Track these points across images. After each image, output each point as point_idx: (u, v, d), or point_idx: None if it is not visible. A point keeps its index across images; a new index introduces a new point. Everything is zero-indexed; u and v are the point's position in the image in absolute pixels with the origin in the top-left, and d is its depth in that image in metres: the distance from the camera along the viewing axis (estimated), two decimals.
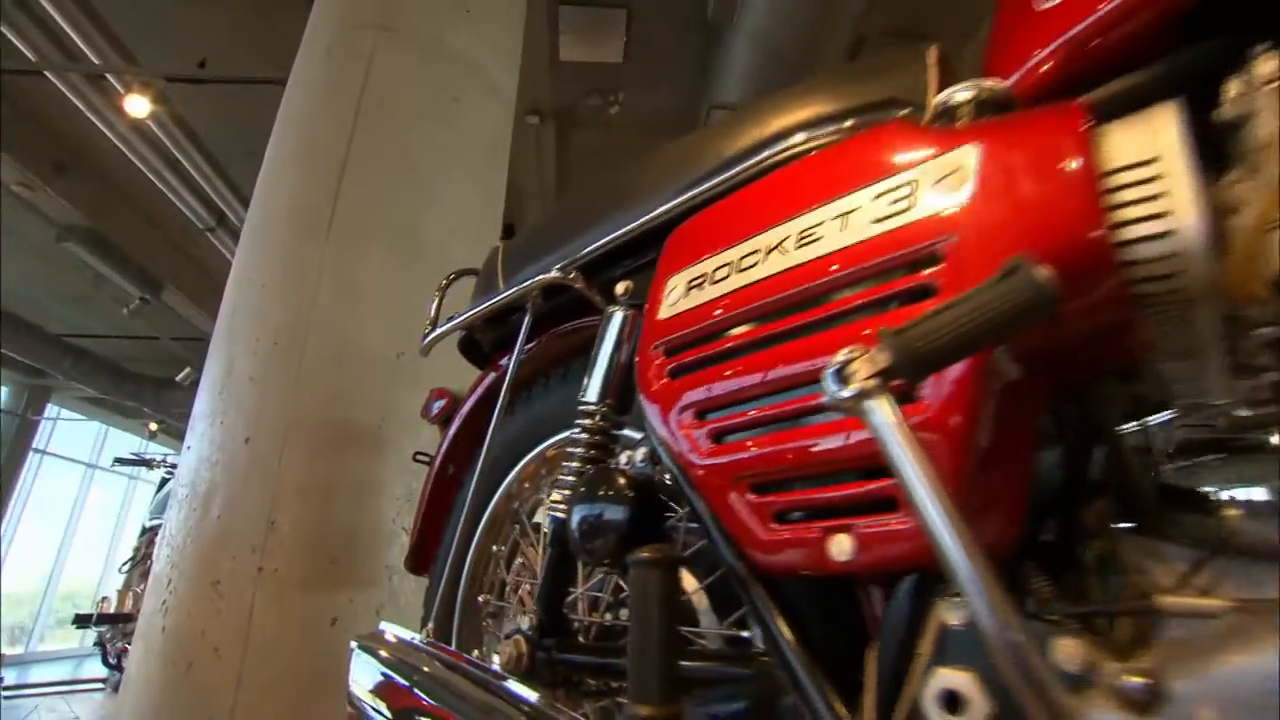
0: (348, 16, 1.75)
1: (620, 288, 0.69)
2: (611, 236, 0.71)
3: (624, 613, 0.77)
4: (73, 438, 11.34)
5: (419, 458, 1.15)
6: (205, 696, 1.14)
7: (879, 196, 0.45)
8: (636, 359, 0.59)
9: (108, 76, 4.90)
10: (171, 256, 8.38)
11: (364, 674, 0.83)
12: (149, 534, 3.71)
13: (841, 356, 0.34)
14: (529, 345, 0.88)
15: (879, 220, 0.44)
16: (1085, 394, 0.46)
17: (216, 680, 1.14)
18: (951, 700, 0.36)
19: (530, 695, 0.62)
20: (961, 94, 0.46)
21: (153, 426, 12.19)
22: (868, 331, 0.41)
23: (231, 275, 1.55)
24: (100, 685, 3.82)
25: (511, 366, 0.82)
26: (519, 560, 1.00)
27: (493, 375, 0.98)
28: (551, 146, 5.97)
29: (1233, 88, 0.39)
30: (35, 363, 10.07)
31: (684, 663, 0.58)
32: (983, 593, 0.28)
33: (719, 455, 0.49)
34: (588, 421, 0.67)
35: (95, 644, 3.27)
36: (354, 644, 0.85)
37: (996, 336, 0.32)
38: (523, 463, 0.92)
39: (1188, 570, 0.45)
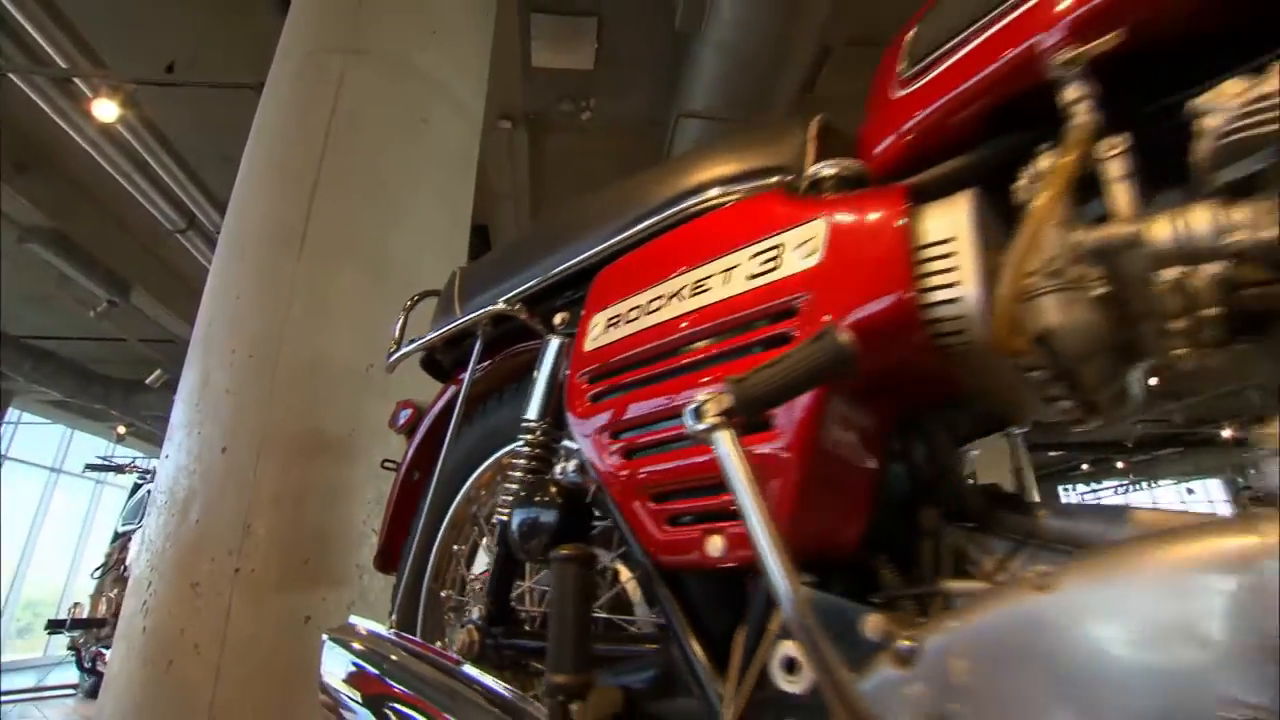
0: (318, 39, 1.82)
1: (558, 318, 0.78)
2: (550, 274, 0.80)
3: None
4: (36, 441, 11.10)
5: (387, 464, 1.23)
6: (185, 692, 1.21)
7: (754, 256, 0.55)
8: (566, 383, 0.68)
9: (75, 80, 4.85)
10: (140, 258, 8.26)
11: (335, 664, 0.91)
12: (122, 539, 3.71)
13: (700, 397, 0.43)
14: (484, 364, 0.97)
15: (753, 277, 0.54)
16: (927, 418, 0.57)
17: (196, 676, 1.21)
18: (790, 664, 0.46)
19: (484, 678, 0.71)
20: (826, 170, 0.57)
21: (120, 429, 11.98)
22: (735, 372, 0.51)
23: (207, 287, 1.61)
24: (71, 691, 3.81)
25: (465, 385, 0.91)
26: (479, 558, 1.09)
27: (452, 390, 1.07)
28: (524, 150, 6.03)
29: (1022, 177, 0.49)
30: None
31: (610, 645, 0.68)
32: (783, 581, 0.38)
33: (628, 469, 0.58)
34: (529, 436, 0.77)
35: (69, 648, 3.28)
36: (325, 636, 0.93)
37: (809, 386, 0.42)
38: (480, 470, 1.01)
39: (1003, 557, 0.56)
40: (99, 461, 4.63)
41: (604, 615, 0.78)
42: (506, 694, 0.68)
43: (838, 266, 0.49)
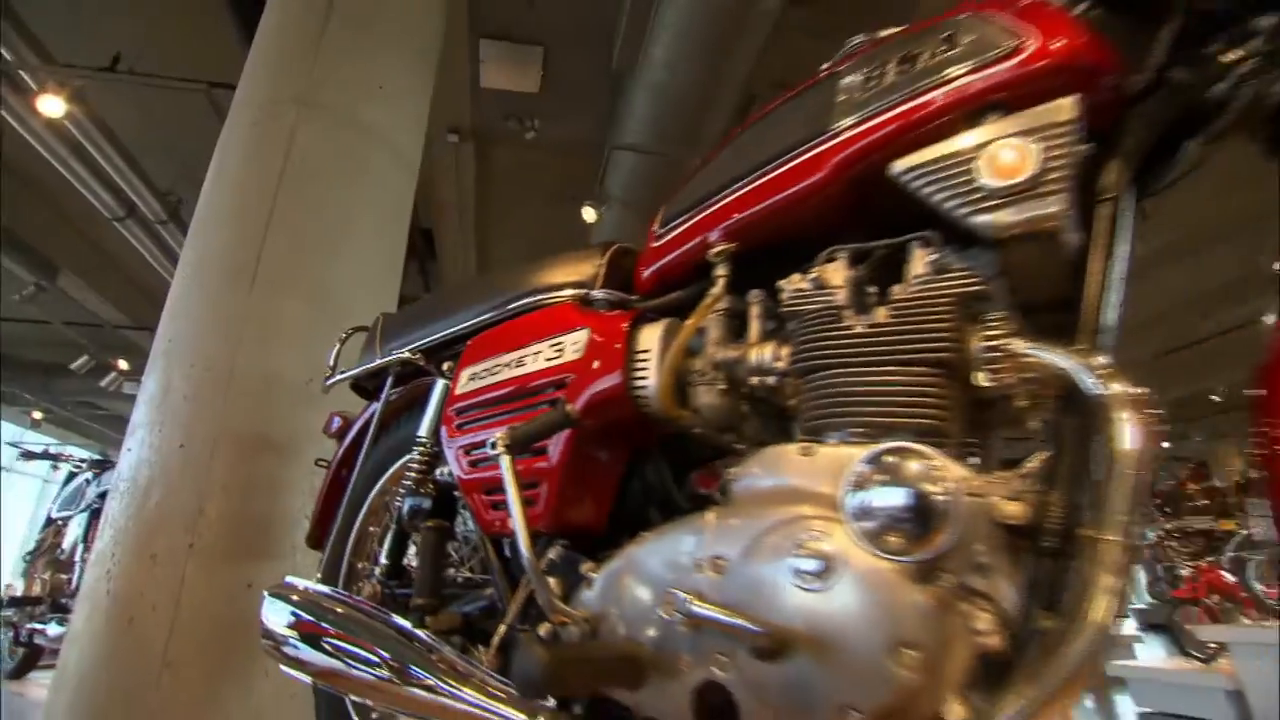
0: (273, 91, 2.10)
1: (445, 366, 1.13)
2: (442, 334, 1.15)
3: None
4: None
5: (319, 463, 1.54)
6: (144, 644, 1.49)
7: (551, 345, 0.91)
8: (445, 413, 1.03)
9: (19, 72, 4.87)
10: (72, 242, 8.10)
11: (275, 614, 1.21)
12: (53, 525, 3.84)
13: (496, 434, 0.79)
14: (397, 389, 1.31)
15: (548, 359, 0.90)
16: (655, 450, 0.94)
17: (153, 632, 1.49)
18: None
19: (387, 615, 1.04)
20: (598, 295, 0.94)
21: (36, 415, 11.53)
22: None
23: (167, 308, 1.87)
24: None
25: (380, 407, 1.25)
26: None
27: (373, 408, 1.40)
28: (470, 163, 6.29)
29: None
30: None
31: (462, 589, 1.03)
32: (522, 544, 0.74)
33: (472, 474, 0.94)
34: (421, 448, 1.11)
35: (5, 625, 3.42)
36: (265, 592, 1.24)
37: (549, 434, 0.78)
38: (391, 469, 1.34)
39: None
40: (31, 450, 4.68)
41: (465, 572, 1.13)
42: (400, 623, 1.02)
43: (590, 360, 0.86)
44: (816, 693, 0.52)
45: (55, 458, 4.27)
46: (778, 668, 0.53)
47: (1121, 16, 0.69)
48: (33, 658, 3.39)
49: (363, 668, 0.98)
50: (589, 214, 5.27)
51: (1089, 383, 0.55)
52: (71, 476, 4.03)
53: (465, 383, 1.01)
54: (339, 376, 1.36)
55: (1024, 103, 0.64)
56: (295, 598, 1.17)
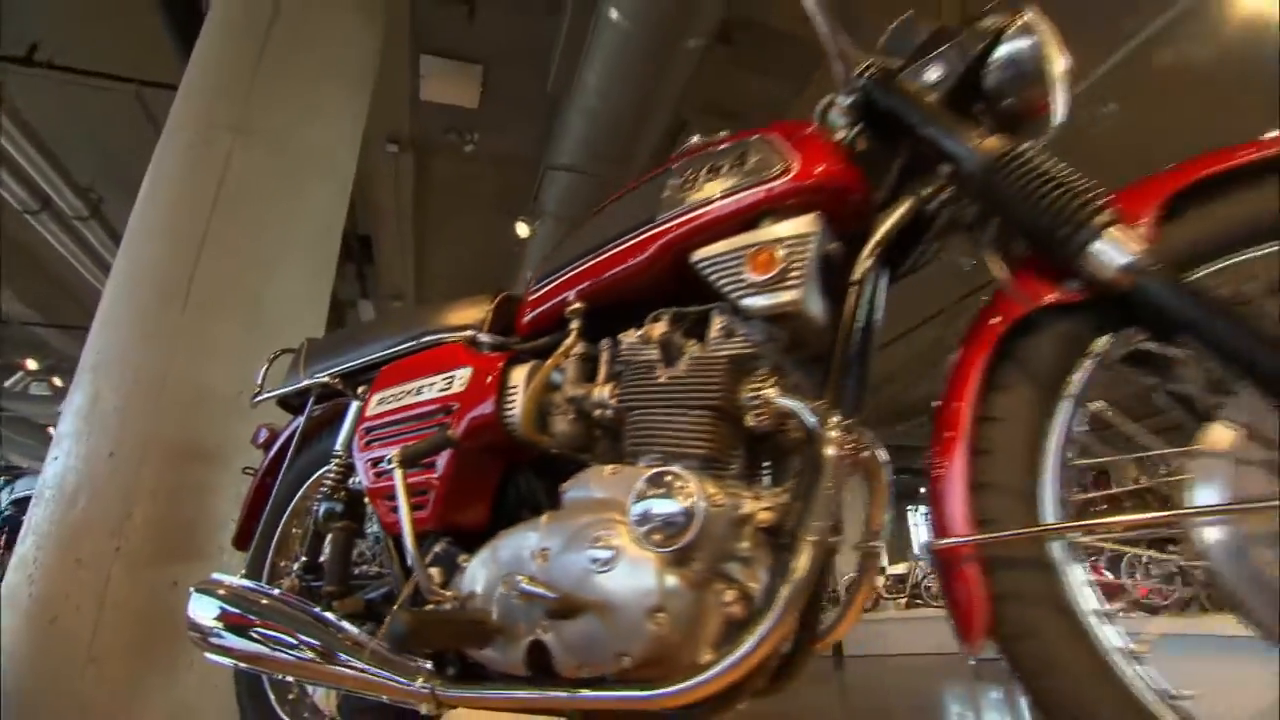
0: (209, 116, 2.21)
1: (359, 390, 1.30)
2: (358, 362, 1.33)
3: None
4: None
5: (246, 470, 1.68)
6: (68, 641, 1.59)
7: (444, 378, 1.10)
8: (357, 431, 1.21)
9: None
10: None
11: (202, 608, 1.33)
12: None
13: (392, 452, 0.98)
14: (320, 406, 1.47)
15: (440, 390, 1.09)
16: (528, 465, 1.14)
17: (78, 629, 1.59)
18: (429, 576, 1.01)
19: (306, 604, 1.21)
20: (483, 338, 1.14)
21: None
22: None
23: (97, 321, 1.95)
24: None
25: (303, 422, 1.41)
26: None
27: (297, 422, 1.55)
28: (410, 172, 6.36)
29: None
30: None
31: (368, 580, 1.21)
32: (408, 542, 0.93)
33: (377, 483, 1.12)
34: (337, 460, 1.28)
35: None
36: (192, 589, 1.37)
37: (433, 454, 0.98)
38: (312, 478, 1.50)
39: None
40: None
41: (376, 567, 1.31)
42: (314, 610, 1.19)
43: (471, 393, 1.06)
44: (602, 644, 0.73)
45: None
46: (577, 627, 0.74)
47: (869, 148, 0.94)
48: None
49: (284, 650, 1.14)
50: (522, 229, 5.44)
51: (810, 421, 0.79)
52: None
53: (374, 406, 1.19)
54: (265, 395, 1.52)
55: (789, 212, 0.87)
56: (222, 592, 1.32)
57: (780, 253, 0.82)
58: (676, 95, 4.81)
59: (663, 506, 0.73)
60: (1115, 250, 0.69)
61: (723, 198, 0.90)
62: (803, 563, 0.71)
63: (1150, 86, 5.13)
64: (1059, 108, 0.89)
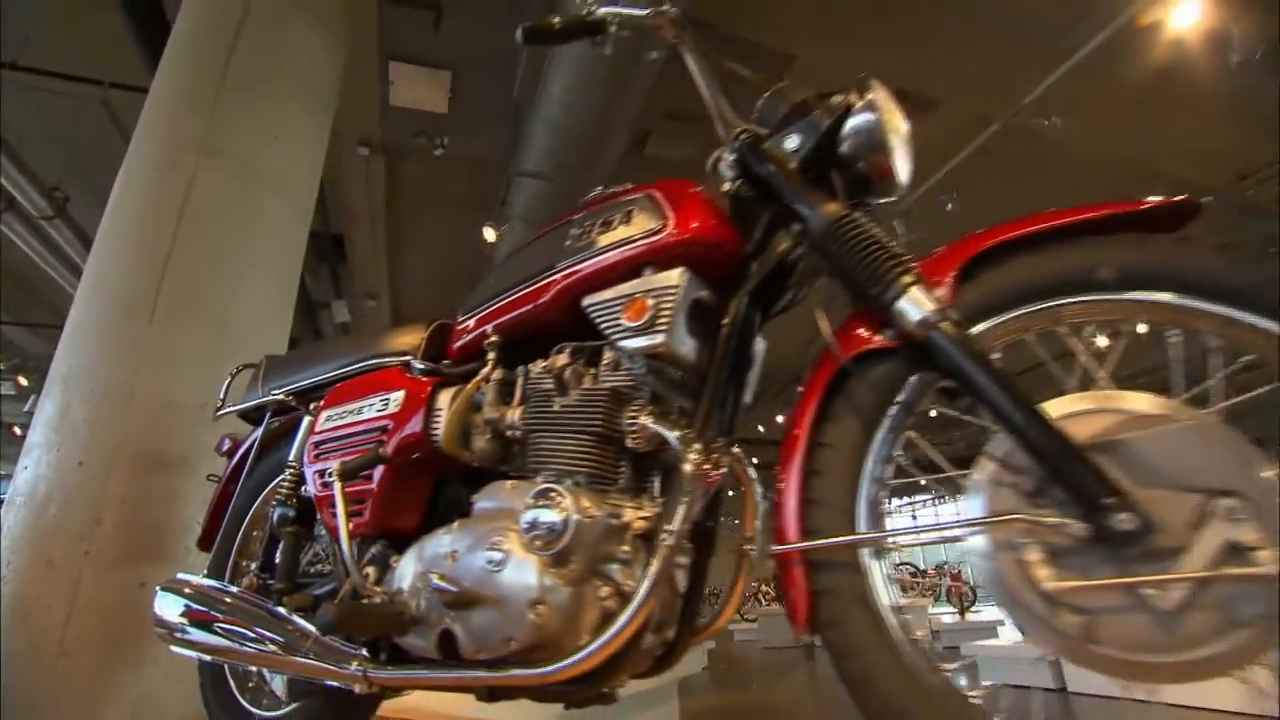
0: (174, 138, 2.31)
1: (311, 406, 1.44)
2: (310, 381, 1.46)
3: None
4: None
5: (210, 478, 1.80)
6: (39, 637, 1.70)
7: (381, 399, 1.25)
8: (308, 444, 1.35)
9: None
10: None
11: (168, 605, 1.46)
12: None
13: (334, 465, 1.12)
14: (277, 418, 1.60)
15: (377, 410, 1.24)
16: (457, 475, 1.28)
17: (49, 626, 1.71)
18: (367, 575, 1.16)
19: (263, 601, 1.34)
20: (416, 363, 1.28)
21: None
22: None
23: (65, 336, 2.06)
24: None
25: (260, 435, 1.55)
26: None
27: (257, 433, 1.68)
28: (381, 175, 6.44)
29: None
30: None
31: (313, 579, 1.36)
32: (343, 545, 1.08)
33: (323, 492, 1.27)
34: (290, 470, 1.42)
35: None
36: (158, 587, 1.50)
37: (370, 468, 1.12)
38: (269, 486, 1.64)
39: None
40: None
41: (327, 566, 1.45)
42: (269, 606, 1.33)
43: (404, 413, 1.20)
44: (495, 631, 0.89)
45: None
46: (476, 616, 0.90)
47: (747, 200, 1.09)
48: None
49: (243, 643, 1.28)
50: (489, 234, 5.55)
51: (674, 441, 0.94)
52: None
53: (323, 422, 1.34)
54: (227, 410, 1.65)
55: (666, 264, 1.03)
56: (187, 590, 1.44)
57: (650, 301, 0.98)
58: (638, 105, 4.95)
59: (545, 517, 0.89)
60: (913, 307, 0.86)
61: (609, 250, 1.05)
62: (656, 563, 0.87)
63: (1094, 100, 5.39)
64: (901, 173, 1.05)
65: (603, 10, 1.23)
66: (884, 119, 1.02)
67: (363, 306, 8.35)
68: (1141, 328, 0.84)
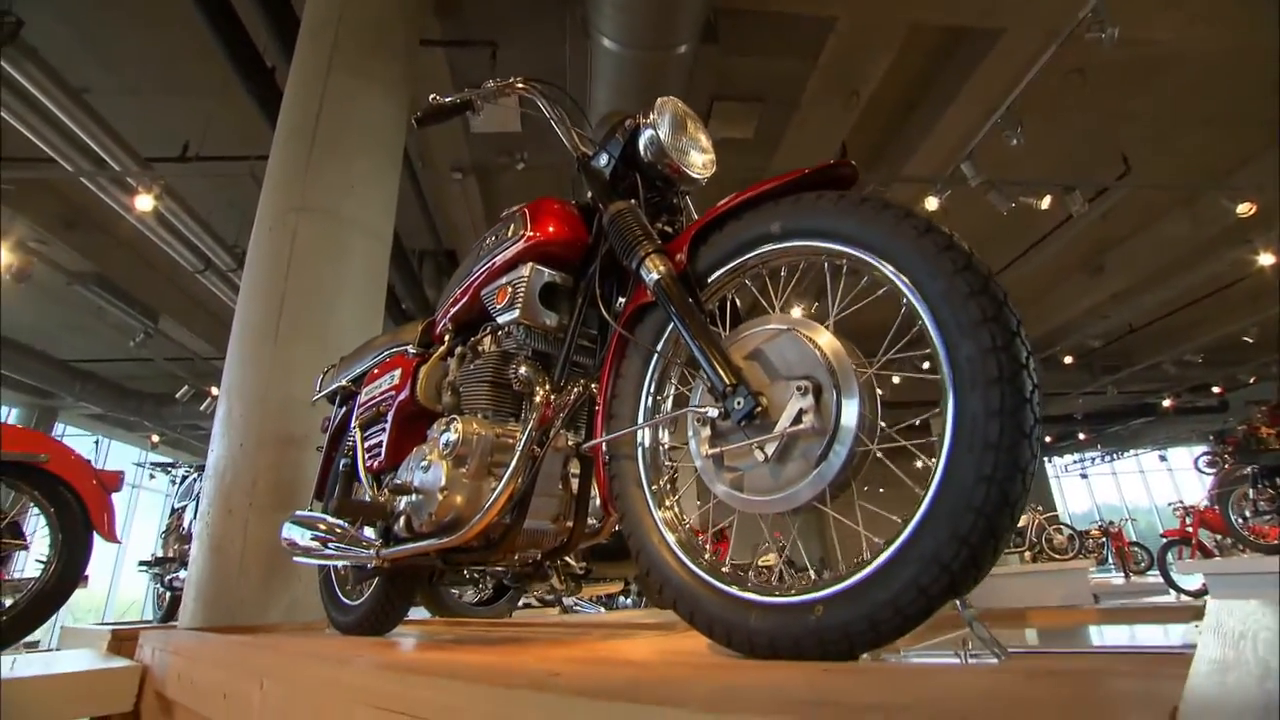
0: (280, 201, 3.09)
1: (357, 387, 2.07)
2: (358, 370, 2.09)
3: None
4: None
5: (318, 449, 2.53)
6: (229, 559, 2.52)
7: (389, 376, 1.83)
8: (355, 411, 1.98)
9: (108, 161, 6.10)
10: (165, 290, 9.61)
11: (290, 531, 2.16)
12: (176, 512, 5.23)
13: (355, 422, 1.72)
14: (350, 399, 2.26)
15: (387, 385, 1.82)
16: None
17: (233, 552, 2.52)
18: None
19: (331, 519, 1.99)
20: (410, 350, 1.85)
21: (154, 438, 13.47)
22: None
23: (227, 359, 2.91)
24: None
25: (336, 414, 2.21)
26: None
27: (339, 412, 2.36)
28: (476, 193, 7.29)
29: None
30: (48, 386, 11.33)
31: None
32: (366, 482, 1.67)
33: (359, 444, 1.88)
34: (348, 434, 2.06)
35: (153, 577, 4.86)
36: (285, 521, 2.21)
37: (373, 425, 1.71)
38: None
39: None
40: (163, 461, 6.15)
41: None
42: (335, 521, 1.96)
43: (400, 383, 1.78)
44: (424, 509, 1.43)
45: (173, 465, 5.67)
46: (415, 500, 1.44)
47: (587, 210, 1.53)
48: (176, 603, 4.68)
49: (325, 545, 1.92)
50: None
51: (530, 382, 1.42)
52: (184, 478, 5.41)
53: (362, 396, 1.95)
54: (317, 396, 2.34)
55: (528, 260, 1.49)
56: (297, 519, 2.13)
57: (509, 290, 1.45)
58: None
59: (447, 436, 1.41)
60: (647, 272, 1.23)
61: (495, 255, 1.54)
62: (513, 461, 1.34)
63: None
64: (691, 170, 1.40)
65: (469, 92, 1.70)
66: (662, 132, 1.36)
67: None
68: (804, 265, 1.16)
